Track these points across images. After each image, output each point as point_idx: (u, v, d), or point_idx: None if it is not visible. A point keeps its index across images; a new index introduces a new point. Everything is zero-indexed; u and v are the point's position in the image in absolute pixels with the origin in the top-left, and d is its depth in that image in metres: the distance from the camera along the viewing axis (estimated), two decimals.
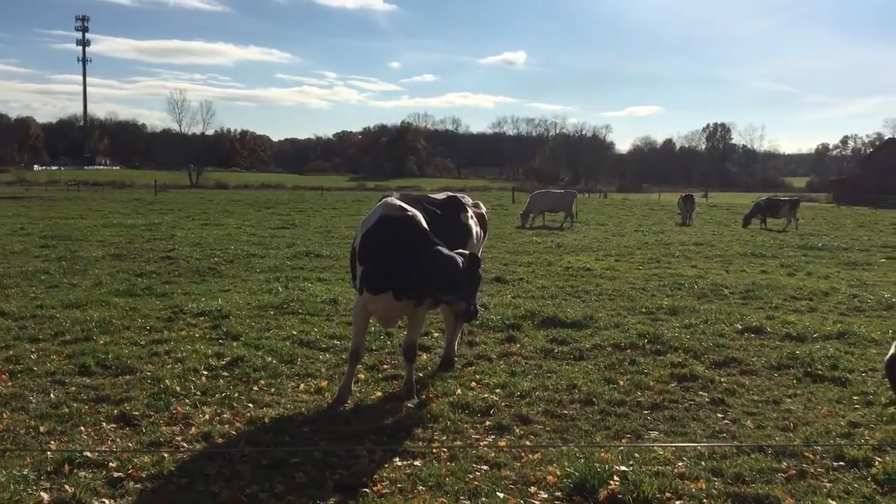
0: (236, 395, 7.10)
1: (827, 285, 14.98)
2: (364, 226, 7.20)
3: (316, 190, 74.31)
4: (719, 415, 6.90)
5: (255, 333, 9.49)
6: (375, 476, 5.32)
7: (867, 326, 10.53)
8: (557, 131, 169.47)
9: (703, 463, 5.62)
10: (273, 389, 7.37)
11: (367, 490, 5.05)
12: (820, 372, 8.19)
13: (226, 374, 7.79)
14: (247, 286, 13.56)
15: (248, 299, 11.90)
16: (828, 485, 5.28)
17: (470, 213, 8.24)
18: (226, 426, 6.28)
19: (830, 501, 4.94)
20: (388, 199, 7.36)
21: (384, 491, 5.08)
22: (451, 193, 8.47)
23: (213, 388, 7.29)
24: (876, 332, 10.10)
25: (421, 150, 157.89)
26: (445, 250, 7.00)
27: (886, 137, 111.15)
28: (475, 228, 8.20)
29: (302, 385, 7.56)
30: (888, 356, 3.30)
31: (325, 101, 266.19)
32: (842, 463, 5.63)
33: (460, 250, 7.24)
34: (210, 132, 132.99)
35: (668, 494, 4.97)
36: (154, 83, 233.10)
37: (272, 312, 10.96)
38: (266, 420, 6.45)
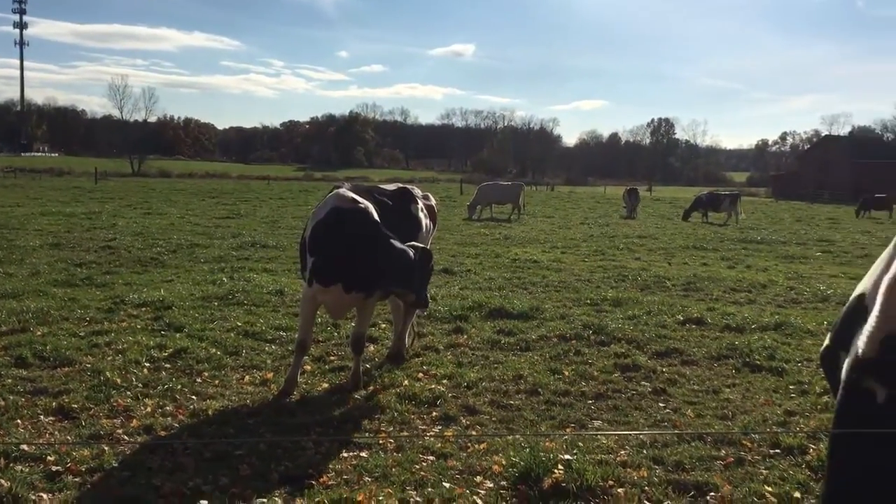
0: (179, 386, 6.98)
1: (765, 278, 15.40)
2: (314, 217, 7.14)
3: (262, 179, 73.35)
4: (661, 404, 7.04)
5: (198, 324, 9.34)
6: (321, 467, 5.30)
7: (803, 318, 10.86)
8: (505, 124, 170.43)
9: (644, 451, 5.74)
10: (217, 381, 7.28)
11: (313, 482, 5.02)
12: (758, 362, 8.42)
13: (168, 365, 7.65)
14: (190, 277, 13.33)
15: (192, 290, 11.70)
16: (764, 471, 5.44)
17: (420, 204, 8.24)
18: (168, 418, 6.18)
19: (766, 487, 5.08)
20: (340, 190, 7.31)
21: (330, 482, 5.06)
22: (401, 185, 8.46)
23: (154, 379, 7.15)
24: (811, 324, 10.42)
25: (369, 141, 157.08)
26: (397, 243, 7.00)
27: (823, 134, 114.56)
28: (425, 220, 8.21)
29: (247, 377, 7.47)
30: (823, 347, 3.40)
31: (271, 90, 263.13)
32: (778, 450, 5.80)
33: (412, 243, 7.25)
34: (153, 119, 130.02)
35: (610, 482, 5.06)
36: (95, 68, 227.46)
37: (216, 303, 10.80)
38: (210, 412, 6.37)
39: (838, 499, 2.89)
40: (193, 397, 6.74)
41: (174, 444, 5.56)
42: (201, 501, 4.60)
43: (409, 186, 8.45)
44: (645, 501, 4.86)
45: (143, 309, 10.20)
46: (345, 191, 7.20)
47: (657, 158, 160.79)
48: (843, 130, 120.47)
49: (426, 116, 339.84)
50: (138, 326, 9.23)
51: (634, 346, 9.04)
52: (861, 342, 3.01)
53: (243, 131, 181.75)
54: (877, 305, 3.04)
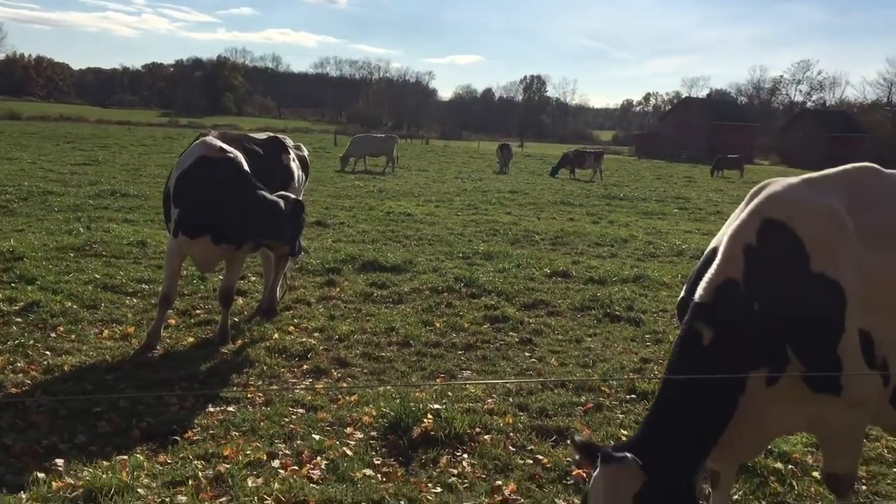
0: (31, 342, 6.60)
1: (626, 233, 16.12)
2: (180, 166, 6.84)
3: (123, 125, 69.26)
4: (527, 354, 7.29)
5: (52, 277, 8.81)
6: (186, 423, 5.17)
7: (660, 271, 11.47)
8: (381, 75, 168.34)
9: (510, 399, 5.94)
10: (73, 336, 6.92)
11: (178, 437, 4.90)
12: (617, 313, 8.84)
13: (19, 320, 7.20)
14: (43, 226, 12.52)
15: (45, 240, 11.00)
16: (620, 416, 5.75)
17: (292, 155, 8.05)
18: (20, 375, 5.85)
19: (622, 431, 5.38)
20: (207, 138, 7.02)
21: (196, 438, 4.95)
22: (272, 134, 8.22)
23: (4, 335, 6.72)
24: (667, 276, 11.03)
25: (239, 88, 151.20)
26: (268, 194, 6.83)
27: (684, 96, 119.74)
28: (297, 171, 8.03)
29: (106, 331, 7.15)
30: (679, 298, 3.62)
31: (132, 30, 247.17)
32: (634, 395, 6.15)
33: (283, 193, 7.09)
34: (0, 56, 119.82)
35: (477, 429, 5.22)
36: None
37: (72, 254, 10.21)
38: (65, 368, 6.07)
39: (658, 432, 3.10)
40: (47, 353, 6.39)
41: (26, 402, 5.27)
42: (57, 460, 4.39)
43: (280, 136, 8.22)
44: (510, 447, 5.04)
45: None
46: (212, 139, 6.93)
47: (529, 115, 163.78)
48: (703, 93, 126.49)
49: (299, 64, 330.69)
50: None
51: (504, 299, 9.28)
52: (700, 287, 3.25)
53: (101, 73, 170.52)
54: (719, 254, 3.28)
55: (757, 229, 3.33)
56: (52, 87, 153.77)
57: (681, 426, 3.08)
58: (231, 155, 6.77)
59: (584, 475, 3.97)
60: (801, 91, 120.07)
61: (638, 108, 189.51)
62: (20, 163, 24.31)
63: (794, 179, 3.60)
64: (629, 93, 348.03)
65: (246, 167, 6.81)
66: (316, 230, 14.06)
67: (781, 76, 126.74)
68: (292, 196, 7.03)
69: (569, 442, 4.07)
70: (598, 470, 2.99)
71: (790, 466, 4.84)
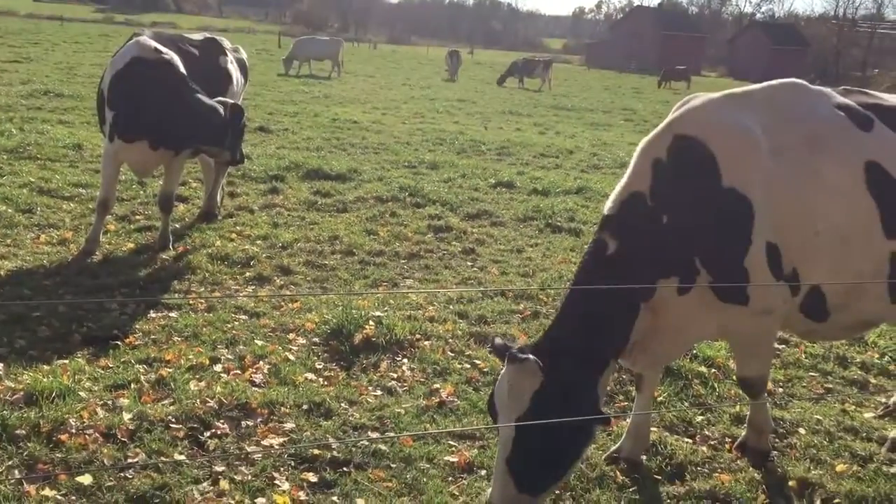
0: None
1: (572, 144, 16.22)
2: (113, 67, 6.60)
3: (55, 20, 65.78)
4: (469, 263, 7.42)
5: None
6: (127, 328, 5.19)
7: (602, 183, 11.63)
8: None
9: (451, 307, 6.09)
10: (9, 241, 6.78)
11: (119, 343, 4.92)
12: (559, 224, 8.99)
13: None
14: None
15: None
16: None
17: (230, 57, 7.82)
18: None
19: None
20: (140, 38, 6.77)
21: (137, 343, 4.98)
22: (209, 35, 7.95)
23: None
24: (609, 188, 11.11)
25: None
26: (206, 98, 6.67)
27: (636, 5, 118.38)
28: (236, 74, 7.82)
29: (42, 236, 7.02)
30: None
31: None
32: None
33: (222, 98, 6.93)
34: None
35: (417, 336, 5.36)
36: None
37: (5, 157, 9.85)
38: (1, 273, 5.96)
39: (560, 336, 3.25)
40: None
41: None
42: None
43: (217, 37, 7.96)
44: (449, 352, 5.19)
45: None
46: (146, 39, 6.68)
47: (480, 21, 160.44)
48: (655, 2, 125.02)
49: None
50: None
51: (448, 209, 9.34)
52: (609, 200, 3.38)
53: None
54: (629, 168, 3.39)
55: (668, 145, 3.42)
56: None
57: (581, 331, 3.24)
58: (167, 56, 6.56)
59: None
60: (750, 2, 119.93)
61: (590, 16, 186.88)
62: None
63: (714, 96, 3.68)
64: (581, 0, 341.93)
65: (182, 69, 6.62)
66: (259, 136, 13.80)
67: None
68: (230, 101, 6.87)
69: (489, 345, 4.25)
70: (503, 369, 3.17)
71: (713, 370, 5.10)
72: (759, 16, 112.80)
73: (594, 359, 3.27)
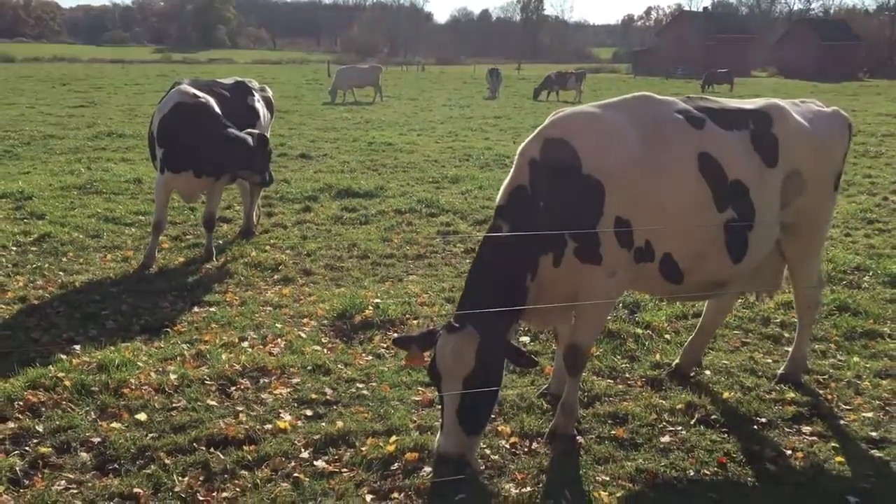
0: (46, 265, 7.87)
1: None
2: (160, 111, 7.99)
3: (117, 63, 69.45)
4: (468, 260, 8.53)
5: (59, 212, 10.04)
6: (176, 320, 6.48)
7: None
8: (374, 0, 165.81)
9: (443, 294, 7.22)
10: (82, 260, 8.19)
11: (169, 330, 6.21)
12: None
13: (34, 248, 8.46)
14: (47, 168, 13.69)
15: (50, 181, 12.20)
16: None
17: (257, 96, 9.16)
18: (39, 291, 7.11)
19: None
20: (181, 86, 8.15)
21: (183, 330, 6.26)
22: (238, 79, 9.31)
23: (23, 261, 7.99)
24: None
25: (231, 20, 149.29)
26: (237, 131, 7.98)
27: (685, 9, 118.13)
28: (262, 110, 9.15)
29: (109, 255, 8.41)
30: None
31: None
32: None
33: (250, 130, 8.24)
34: None
35: (408, 316, 6.51)
36: None
37: (76, 192, 11.41)
38: (77, 284, 7.35)
39: (475, 304, 4.20)
40: (61, 273, 7.67)
41: (47, 311, 6.57)
42: (74, 346, 5.72)
43: (245, 80, 9.32)
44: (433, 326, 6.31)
45: (3, 200, 10.70)
46: (186, 86, 8.06)
47: (527, 36, 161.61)
48: (706, 4, 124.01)
49: None
50: (0, 216, 9.84)
51: (459, 217, 10.49)
52: (499, 193, 4.46)
53: (91, 10, 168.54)
54: (512, 167, 4.47)
55: (540, 147, 4.46)
56: (44, 26, 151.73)
57: (489, 302, 4.13)
58: (203, 100, 7.92)
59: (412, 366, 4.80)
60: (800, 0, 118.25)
61: (639, 24, 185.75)
62: (19, 107, 25.25)
63: (578, 107, 4.76)
64: (630, 7, 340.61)
65: (217, 110, 7.96)
66: (300, 162, 15.19)
67: None
68: (257, 132, 8.18)
69: (392, 344, 5.27)
70: (443, 340, 4.08)
71: (648, 331, 6.13)
72: (811, 13, 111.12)
73: (504, 322, 4.25)
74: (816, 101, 5.44)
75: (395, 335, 5.43)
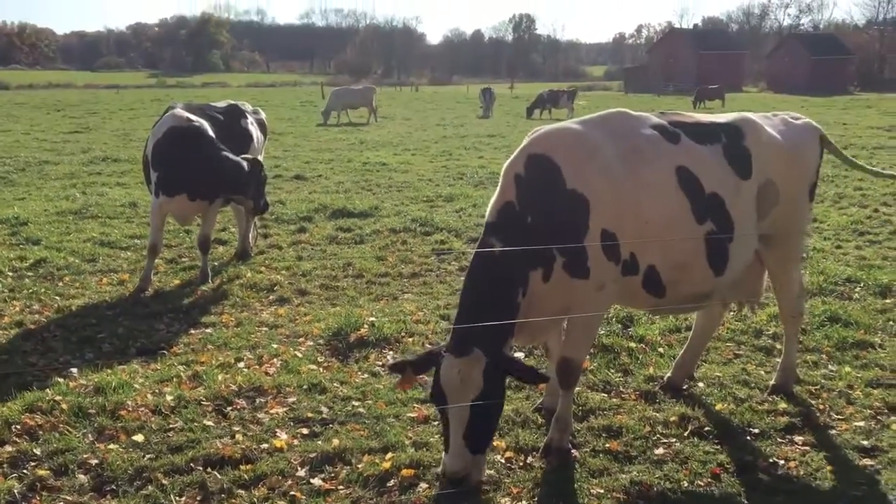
0: (43, 290, 7.90)
1: None
2: (154, 136, 8.06)
3: (111, 88, 69.79)
4: (462, 278, 8.56)
5: (55, 237, 10.08)
6: (172, 342, 6.51)
7: None
8: (367, 22, 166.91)
9: (438, 312, 7.26)
10: (78, 284, 8.22)
11: (165, 352, 6.24)
12: None
13: (30, 273, 8.49)
14: (42, 193, 13.75)
15: (46, 206, 12.25)
16: None
17: (250, 119, 9.24)
18: (36, 315, 7.15)
19: None
20: (175, 110, 8.22)
21: (179, 352, 6.29)
22: (231, 102, 9.39)
23: (19, 286, 8.02)
24: None
25: (225, 44, 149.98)
26: (231, 155, 8.05)
27: (675, 26, 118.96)
28: (256, 133, 9.23)
29: (105, 279, 8.44)
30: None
31: None
32: None
33: (245, 155, 8.31)
34: None
35: (403, 334, 6.55)
36: None
37: (71, 217, 11.46)
38: (73, 308, 7.38)
39: (467, 318, 4.23)
40: (57, 297, 7.70)
41: (44, 335, 6.60)
42: (71, 369, 5.74)
43: (239, 103, 9.40)
44: (427, 344, 6.35)
45: None
46: (179, 110, 8.13)
47: (520, 55, 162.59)
48: (696, 21, 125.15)
49: (285, 16, 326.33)
50: None
51: (453, 235, 10.56)
52: (488, 211, 4.51)
53: (86, 36, 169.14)
54: (499, 185, 4.52)
55: (524, 163, 4.51)
56: (38, 53, 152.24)
57: (487, 319, 4.12)
58: (197, 123, 7.99)
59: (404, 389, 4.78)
60: (789, 15, 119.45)
61: (630, 42, 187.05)
62: (14, 134, 25.33)
63: (559, 124, 4.83)
64: (622, 25, 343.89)
65: (211, 133, 8.03)
66: (295, 183, 15.27)
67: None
68: (251, 157, 8.25)
69: (386, 367, 5.38)
70: (448, 362, 4.07)
71: (641, 345, 6.17)
72: (801, 28, 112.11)
73: (501, 337, 4.27)
74: (791, 113, 5.54)
75: (391, 357, 5.48)
